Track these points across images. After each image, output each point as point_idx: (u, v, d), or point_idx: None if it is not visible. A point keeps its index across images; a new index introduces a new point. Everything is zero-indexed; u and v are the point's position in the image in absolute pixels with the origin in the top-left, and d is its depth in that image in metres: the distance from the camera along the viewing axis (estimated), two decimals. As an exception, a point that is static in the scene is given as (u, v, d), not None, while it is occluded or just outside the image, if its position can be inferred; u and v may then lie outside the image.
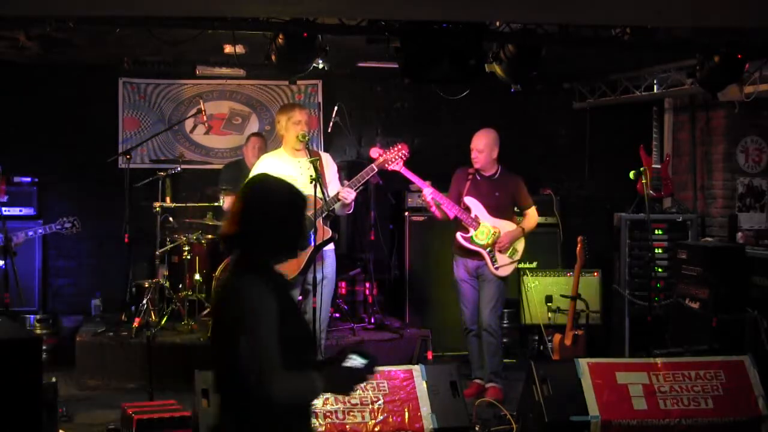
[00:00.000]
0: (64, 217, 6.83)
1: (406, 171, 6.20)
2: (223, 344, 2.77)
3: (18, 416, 3.50)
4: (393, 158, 5.95)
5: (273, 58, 5.74)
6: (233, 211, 2.87)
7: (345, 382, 2.84)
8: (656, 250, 7.70)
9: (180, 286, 7.19)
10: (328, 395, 4.91)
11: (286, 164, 5.86)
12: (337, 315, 7.27)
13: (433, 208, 6.41)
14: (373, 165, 5.88)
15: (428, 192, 6.30)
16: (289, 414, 2.75)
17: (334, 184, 5.85)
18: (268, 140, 7.88)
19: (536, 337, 7.72)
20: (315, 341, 3.03)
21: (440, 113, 8.49)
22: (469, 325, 6.53)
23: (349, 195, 5.69)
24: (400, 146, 6.00)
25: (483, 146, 6.40)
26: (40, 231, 6.80)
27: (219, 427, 2.85)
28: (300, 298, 6.03)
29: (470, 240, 6.38)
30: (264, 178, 3.03)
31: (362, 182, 5.81)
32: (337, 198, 5.68)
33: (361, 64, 7.78)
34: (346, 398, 5.01)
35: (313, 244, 5.65)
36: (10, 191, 7.55)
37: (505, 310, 7.31)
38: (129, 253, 7.27)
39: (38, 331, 7.35)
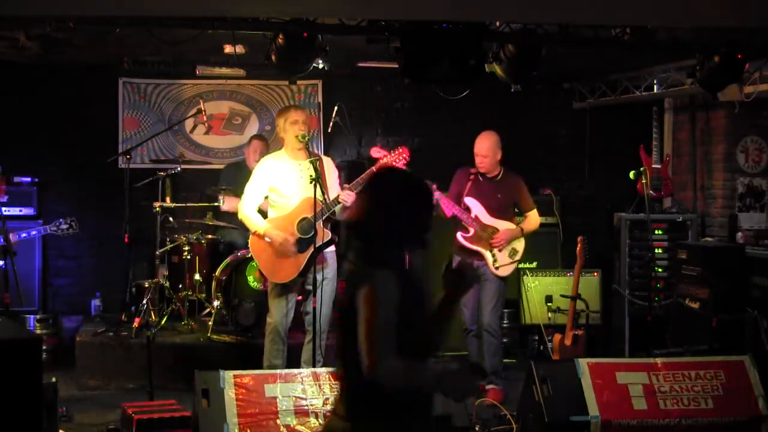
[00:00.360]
0: (61, 218, 6.82)
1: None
2: (345, 326, 2.81)
3: (18, 416, 3.50)
4: (394, 161, 5.94)
5: (273, 58, 5.73)
6: (361, 200, 2.91)
7: (461, 389, 2.85)
8: (656, 250, 7.70)
9: (180, 286, 7.20)
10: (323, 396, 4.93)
11: (287, 165, 5.86)
12: (338, 315, 7.25)
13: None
14: (373, 168, 5.87)
15: (436, 195, 6.30)
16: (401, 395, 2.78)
17: (334, 189, 5.84)
18: (268, 140, 7.87)
19: (536, 337, 7.72)
20: (439, 332, 3.06)
21: (440, 113, 8.48)
22: (469, 325, 6.53)
23: (349, 198, 5.69)
24: (401, 149, 6.00)
25: (486, 151, 6.41)
26: (34, 233, 6.76)
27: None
28: (299, 298, 6.04)
29: (470, 240, 6.39)
30: (394, 171, 3.04)
31: (362, 185, 5.80)
32: (337, 201, 5.68)
33: (361, 64, 7.77)
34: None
35: (313, 245, 5.65)
36: (10, 191, 7.55)
37: (505, 310, 7.32)
38: (129, 253, 7.27)
39: (38, 331, 7.35)
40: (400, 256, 2.93)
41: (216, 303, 6.98)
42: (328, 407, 4.95)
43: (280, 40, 5.59)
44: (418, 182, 2.94)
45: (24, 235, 6.69)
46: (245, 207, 5.86)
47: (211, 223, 7.40)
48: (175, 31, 5.82)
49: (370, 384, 2.71)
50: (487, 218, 6.41)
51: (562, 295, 7.34)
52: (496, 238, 6.34)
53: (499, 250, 6.38)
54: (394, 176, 2.99)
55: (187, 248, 7.11)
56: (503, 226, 6.41)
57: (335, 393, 2.95)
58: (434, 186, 6.35)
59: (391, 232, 2.85)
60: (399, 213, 2.85)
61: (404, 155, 5.99)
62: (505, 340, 7.21)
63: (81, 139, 8.08)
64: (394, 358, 2.69)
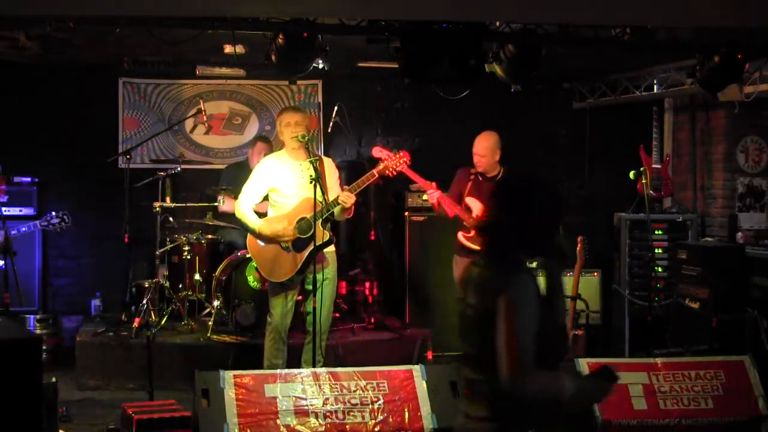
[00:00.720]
0: (52, 212, 6.77)
1: (410, 172, 6.21)
2: (477, 333, 2.81)
3: (18, 416, 3.50)
4: (394, 165, 5.95)
5: (273, 58, 5.73)
6: (492, 203, 2.91)
7: (597, 393, 2.90)
8: (656, 250, 7.70)
9: (180, 286, 7.20)
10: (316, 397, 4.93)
11: (287, 165, 5.86)
12: (337, 315, 7.27)
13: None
14: (374, 171, 5.87)
15: (435, 195, 6.31)
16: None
17: (335, 189, 5.84)
18: (271, 141, 7.85)
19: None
20: (566, 336, 3.07)
21: (440, 113, 8.48)
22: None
23: (349, 199, 5.69)
24: (402, 153, 5.99)
25: (485, 151, 6.41)
26: (24, 229, 6.69)
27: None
28: (299, 298, 6.04)
29: (472, 240, 6.39)
30: (524, 176, 3.06)
31: (362, 187, 5.80)
32: (336, 202, 5.68)
33: (361, 64, 7.77)
34: (347, 398, 5.02)
35: (312, 244, 5.64)
36: (10, 191, 7.54)
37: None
38: (129, 253, 7.27)
39: (38, 331, 7.35)
40: (527, 260, 2.94)
41: (216, 303, 6.98)
42: (328, 407, 4.95)
43: (280, 40, 5.59)
44: (548, 187, 2.95)
45: (14, 232, 6.63)
46: (242, 205, 5.86)
47: (211, 223, 7.40)
48: (175, 31, 5.82)
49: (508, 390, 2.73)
50: (487, 218, 6.41)
51: (562, 295, 7.33)
52: None
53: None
54: (525, 180, 2.99)
55: (187, 248, 7.11)
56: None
57: (468, 396, 2.95)
58: (434, 185, 6.37)
59: (526, 236, 2.86)
60: (532, 217, 2.87)
61: (405, 159, 5.99)
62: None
63: (81, 139, 8.08)
64: (536, 368, 2.70)
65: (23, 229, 6.69)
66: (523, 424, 2.81)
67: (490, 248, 2.91)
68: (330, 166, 5.99)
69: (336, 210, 5.71)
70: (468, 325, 2.92)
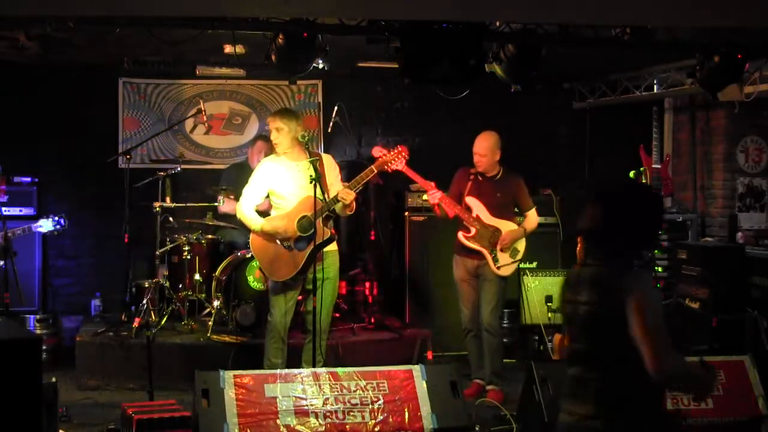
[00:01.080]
0: (51, 214, 6.75)
1: (410, 171, 6.21)
2: (607, 332, 2.96)
3: (18, 416, 3.50)
4: (393, 160, 5.95)
5: (273, 58, 5.74)
6: (596, 209, 3.09)
7: (702, 387, 3.13)
8: (656, 251, 7.69)
9: (180, 286, 7.20)
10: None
11: (284, 166, 5.86)
12: (337, 315, 7.27)
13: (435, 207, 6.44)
14: (372, 166, 5.87)
15: (437, 195, 6.31)
16: (654, 393, 2.97)
17: (336, 186, 5.85)
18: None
19: (536, 337, 7.72)
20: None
21: (440, 113, 8.49)
22: (469, 325, 6.53)
23: (348, 196, 5.69)
24: (400, 148, 6.00)
25: (485, 150, 6.42)
26: (18, 232, 6.66)
27: (599, 406, 3.00)
28: (300, 297, 6.04)
29: (472, 240, 6.39)
30: (627, 181, 3.25)
31: (362, 183, 5.81)
32: (336, 199, 5.68)
33: (361, 64, 7.78)
34: (347, 398, 5.02)
35: (313, 244, 5.65)
36: (10, 191, 7.53)
37: (505, 310, 7.31)
38: (129, 253, 7.26)
39: (38, 331, 7.34)
40: (641, 257, 3.16)
41: (216, 303, 6.98)
42: (328, 407, 4.95)
43: (280, 40, 5.59)
44: (647, 188, 3.15)
45: (9, 235, 6.58)
46: (243, 207, 5.87)
47: (211, 223, 7.40)
48: (175, 31, 5.83)
49: (614, 385, 2.91)
50: (488, 218, 6.41)
51: (563, 295, 7.32)
52: (503, 240, 6.34)
53: (502, 250, 6.38)
54: (626, 183, 3.20)
55: (187, 248, 7.11)
56: (505, 225, 6.41)
57: (572, 394, 3.12)
58: (434, 185, 6.37)
59: (633, 236, 3.05)
60: (638, 219, 3.05)
61: (403, 154, 5.99)
62: (505, 340, 7.21)
63: (81, 139, 8.08)
64: (675, 354, 2.91)
65: (18, 232, 6.65)
66: (626, 423, 2.93)
67: (603, 249, 3.06)
68: (330, 163, 5.99)
69: (337, 206, 5.72)
70: (579, 323, 3.08)
